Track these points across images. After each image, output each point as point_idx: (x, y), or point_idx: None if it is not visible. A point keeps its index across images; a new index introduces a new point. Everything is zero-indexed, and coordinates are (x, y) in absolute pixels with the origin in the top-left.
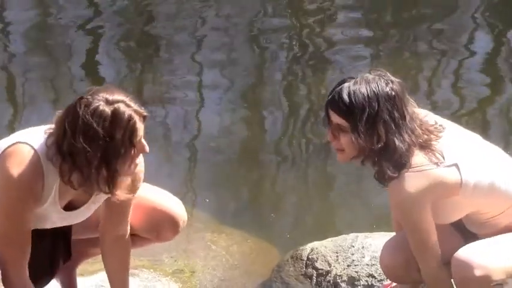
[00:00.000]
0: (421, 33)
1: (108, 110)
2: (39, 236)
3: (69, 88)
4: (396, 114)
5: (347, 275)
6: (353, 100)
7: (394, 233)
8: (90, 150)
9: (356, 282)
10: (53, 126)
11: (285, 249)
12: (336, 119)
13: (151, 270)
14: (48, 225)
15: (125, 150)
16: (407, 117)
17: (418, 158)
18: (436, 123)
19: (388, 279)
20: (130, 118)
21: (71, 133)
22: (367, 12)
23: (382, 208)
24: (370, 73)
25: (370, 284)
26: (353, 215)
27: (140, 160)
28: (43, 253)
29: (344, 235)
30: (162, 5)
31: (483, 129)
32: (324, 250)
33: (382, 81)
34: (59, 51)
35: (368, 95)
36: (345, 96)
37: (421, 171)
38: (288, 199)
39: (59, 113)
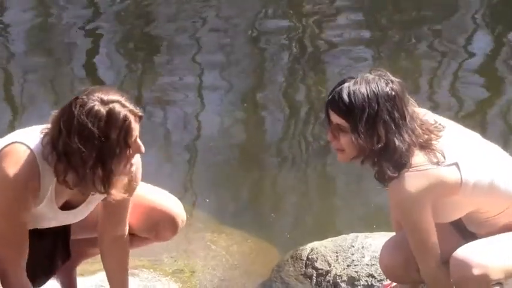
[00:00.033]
0: (421, 34)
1: (103, 110)
2: (38, 235)
3: (69, 89)
4: (396, 114)
5: (347, 275)
6: (353, 100)
7: (394, 233)
8: (85, 150)
9: (356, 282)
10: (49, 125)
11: (285, 249)
12: (335, 119)
13: (151, 270)
14: (46, 225)
15: (120, 150)
16: (408, 117)
17: (418, 157)
18: (435, 122)
19: (388, 279)
20: (125, 118)
21: (66, 133)
22: (367, 13)
23: (382, 208)
24: (370, 73)
25: (370, 284)
26: (353, 215)
27: (137, 160)
28: (42, 253)
29: (344, 235)
30: (163, 5)
31: (482, 130)
32: (324, 250)
33: (382, 81)
34: (59, 52)
35: (368, 95)
36: (345, 97)
37: (421, 171)
38: (288, 199)
39: (54, 112)
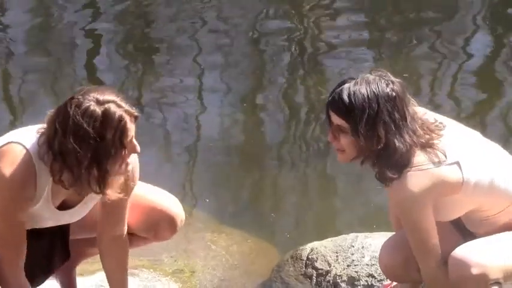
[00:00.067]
0: (421, 35)
1: (98, 110)
2: (36, 235)
3: (69, 89)
4: (397, 115)
5: (347, 275)
6: (353, 101)
7: (393, 233)
8: (81, 150)
9: (356, 282)
10: (45, 125)
11: (285, 249)
12: (336, 119)
13: (151, 270)
14: (43, 225)
15: (116, 150)
16: (408, 118)
17: (420, 157)
18: (436, 121)
19: (387, 279)
20: (121, 118)
21: (61, 133)
22: (368, 14)
23: (382, 208)
24: (370, 73)
25: (370, 284)
26: (353, 215)
27: (134, 160)
28: (40, 253)
29: (344, 235)
30: (163, 6)
31: (482, 132)
32: (324, 250)
33: (383, 81)
34: (59, 52)
35: (368, 96)
36: (345, 97)
37: (422, 170)
38: (288, 199)
39: (50, 112)
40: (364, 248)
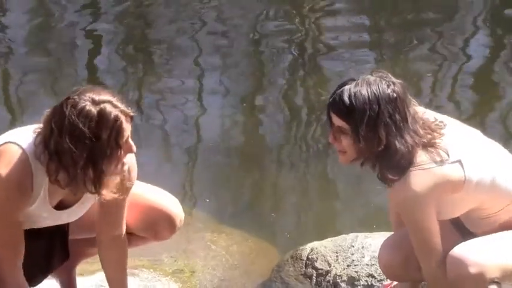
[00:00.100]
0: (422, 36)
1: (94, 110)
2: (35, 235)
3: (69, 90)
4: (398, 117)
5: (347, 275)
6: (354, 102)
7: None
8: (76, 150)
9: (356, 282)
10: (41, 125)
11: (285, 249)
12: (337, 121)
13: (151, 270)
14: (41, 225)
15: (111, 150)
16: (410, 119)
17: (422, 157)
18: (436, 120)
19: (387, 279)
20: (116, 118)
21: (57, 132)
22: (368, 16)
23: (382, 208)
24: (371, 75)
25: (370, 284)
26: (353, 215)
27: (132, 160)
28: (38, 253)
29: (344, 235)
30: (163, 7)
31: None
32: (324, 250)
33: (384, 82)
34: (59, 53)
35: (369, 98)
36: (346, 99)
37: (425, 170)
38: (288, 199)
39: (47, 112)
40: (364, 248)
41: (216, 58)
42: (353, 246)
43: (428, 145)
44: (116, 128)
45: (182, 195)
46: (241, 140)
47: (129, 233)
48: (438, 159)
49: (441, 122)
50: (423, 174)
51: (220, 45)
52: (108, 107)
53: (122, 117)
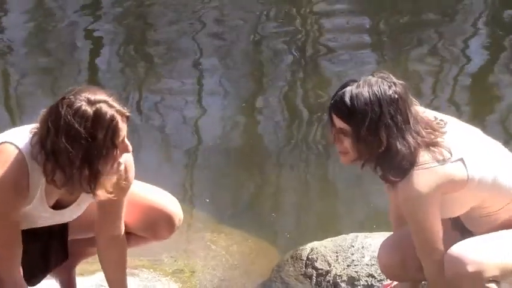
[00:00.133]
0: (422, 38)
1: (90, 110)
2: (34, 235)
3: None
4: (399, 118)
5: (347, 275)
6: (355, 104)
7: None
8: (72, 150)
9: (356, 282)
10: (38, 125)
11: (285, 249)
12: (338, 122)
13: (151, 270)
14: (39, 224)
15: (107, 150)
16: (411, 120)
17: (425, 156)
18: (436, 118)
19: (387, 279)
20: (112, 118)
21: (53, 132)
22: (369, 17)
23: (382, 208)
24: (373, 75)
25: (370, 284)
26: (353, 215)
27: (129, 160)
28: (37, 252)
29: (344, 235)
30: (163, 9)
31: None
32: (324, 250)
33: (385, 84)
34: (59, 54)
35: (370, 99)
36: (347, 100)
37: (427, 169)
38: (288, 199)
39: (43, 111)
40: (364, 248)
41: (216, 59)
42: (353, 246)
43: (431, 144)
44: (111, 127)
45: (182, 195)
46: (241, 141)
47: (128, 233)
48: (441, 158)
49: (441, 120)
50: (426, 174)
51: (221, 46)
52: (103, 107)
53: (118, 117)
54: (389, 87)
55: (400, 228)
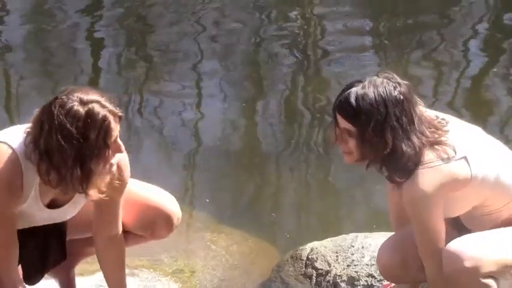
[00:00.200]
0: (422, 41)
1: (82, 110)
2: (31, 235)
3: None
4: (404, 119)
5: (347, 275)
6: (360, 105)
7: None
8: (65, 150)
9: (356, 282)
10: (31, 125)
11: (285, 249)
12: (343, 123)
13: (151, 270)
14: (35, 224)
15: (99, 150)
16: (416, 120)
17: (429, 155)
18: (437, 117)
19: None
20: (104, 118)
21: (46, 132)
22: (370, 20)
23: (382, 208)
24: (378, 76)
25: (369, 284)
26: (353, 215)
27: (124, 159)
28: (34, 252)
29: (344, 235)
30: (163, 11)
31: None
32: (324, 250)
33: (390, 84)
34: (59, 55)
35: (376, 100)
36: (353, 101)
37: (432, 168)
38: (287, 199)
39: (36, 111)
40: (364, 248)
41: (216, 62)
42: (353, 246)
43: (435, 143)
44: (104, 128)
45: (182, 196)
46: (241, 142)
47: (126, 232)
48: (445, 156)
49: (443, 119)
50: (431, 173)
51: (221, 48)
52: (96, 107)
53: (110, 117)
54: (395, 88)
55: (401, 228)
